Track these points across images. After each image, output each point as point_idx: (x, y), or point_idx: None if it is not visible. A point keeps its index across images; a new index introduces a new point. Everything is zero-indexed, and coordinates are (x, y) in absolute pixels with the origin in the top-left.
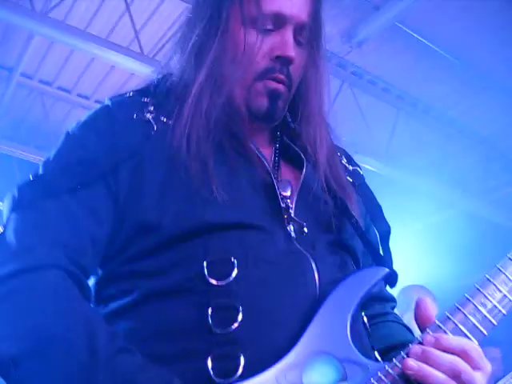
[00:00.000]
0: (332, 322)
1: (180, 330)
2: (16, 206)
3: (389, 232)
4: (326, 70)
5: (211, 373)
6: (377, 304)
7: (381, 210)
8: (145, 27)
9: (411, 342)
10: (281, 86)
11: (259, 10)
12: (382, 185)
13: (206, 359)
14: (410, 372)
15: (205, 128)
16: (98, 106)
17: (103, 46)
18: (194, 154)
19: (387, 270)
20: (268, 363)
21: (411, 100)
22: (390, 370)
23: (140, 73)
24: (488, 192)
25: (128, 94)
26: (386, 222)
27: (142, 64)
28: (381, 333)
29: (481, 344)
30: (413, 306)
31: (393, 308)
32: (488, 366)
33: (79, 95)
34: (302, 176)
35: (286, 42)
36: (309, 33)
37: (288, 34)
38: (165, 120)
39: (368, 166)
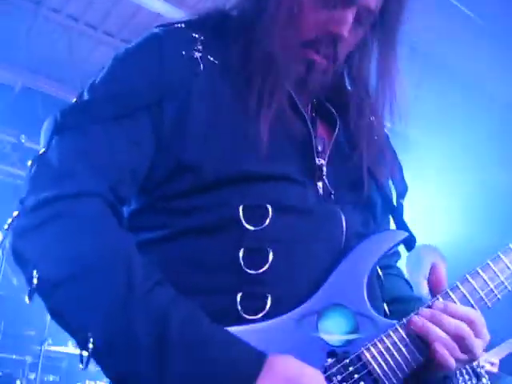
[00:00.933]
0: (351, 276)
1: (213, 266)
2: (59, 129)
3: (406, 192)
4: (387, 58)
5: (239, 307)
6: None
7: (401, 170)
8: None
9: (410, 297)
10: (323, 61)
11: None
12: (398, 142)
13: (236, 295)
14: (414, 327)
15: (261, 69)
16: (124, 44)
17: None
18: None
19: (407, 233)
20: (292, 305)
21: (437, 61)
22: (398, 328)
23: (166, 14)
24: (503, 159)
25: (179, 25)
26: (405, 183)
27: (169, 5)
28: (384, 285)
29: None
30: (423, 267)
31: (396, 261)
32: (487, 337)
33: (105, 32)
34: (335, 135)
35: (344, 21)
36: (374, 19)
37: (349, 13)
38: (212, 59)
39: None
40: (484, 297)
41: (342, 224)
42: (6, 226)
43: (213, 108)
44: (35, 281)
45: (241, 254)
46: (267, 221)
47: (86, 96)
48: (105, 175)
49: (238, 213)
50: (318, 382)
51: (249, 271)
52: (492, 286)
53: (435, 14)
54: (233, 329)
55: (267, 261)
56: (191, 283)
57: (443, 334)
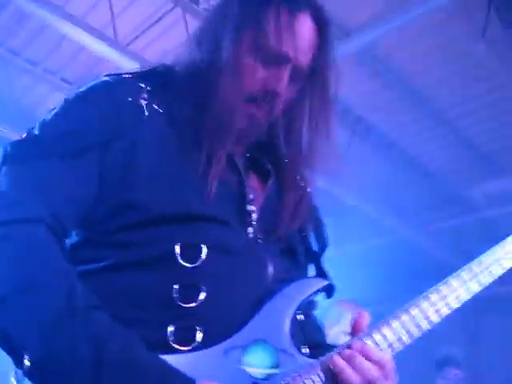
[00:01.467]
0: (275, 316)
1: (147, 300)
2: (9, 160)
3: (326, 248)
4: (318, 115)
5: (171, 339)
6: None
7: (324, 227)
8: (122, 14)
9: (329, 345)
10: (261, 115)
11: (266, 42)
12: (324, 202)
13: (167, 327)
14: (336, 369)
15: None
16: (64, 84)
17: (77, 26)
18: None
19: (327, 282)
20: (221, 339)
21: (367, 125)
22: (317, 366)
23: (110, 58)
24: (425, 224)
25: (127, 75)
26: (326, 239)
27: (113, 50)
28: (305, 330)
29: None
30: (342, 321)
31: (314, 310)
32: (396, 379)
33: (45, 70)
34: (268, 186)
35: (280, 79)
36: (310, 73)
37: (284, 72)
38: (156, 108)
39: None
40: (395, 341)
41: (267, 269)
42: None
43: (158, 152)
44: None
45: (175, 289)
46: (201, 259)
47: (36, 131)
48: (51, 205)
49: (175, 250)
50: None
51: (182, 305)
52: (404, 332)
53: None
54: (163, 357)
55: (199, 296)
56: (126, 315)
57: (356, 378)
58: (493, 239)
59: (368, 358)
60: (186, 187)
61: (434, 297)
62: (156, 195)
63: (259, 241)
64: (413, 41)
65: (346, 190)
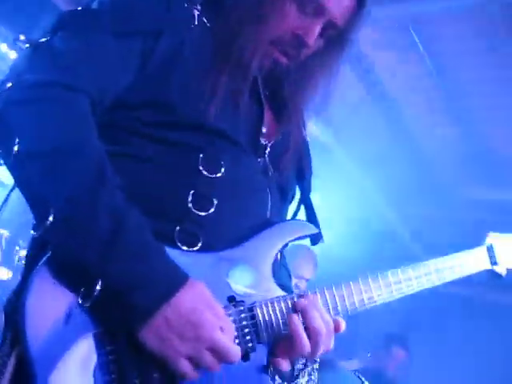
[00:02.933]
0: (268, 245)
1: (164, 196)
2: (66, 27)
3: (309, 193)
4: (332, 67)
5: (176, 237)
6: None
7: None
8: None
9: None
10: (285, 60)
11: None
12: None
13: (176, 226)
14: (298, 305)
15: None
16: None
17: None
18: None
19: (317, 230)
20: (217, 250)
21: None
22: (287, 299)
23: None
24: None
25: None
26: (310, 185)
27: None
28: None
29: None
30: (295, 265)
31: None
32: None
33: None
34: (282, 128)
35: (312, 31)
36: (336, 34)
37: (317, 25)
38: (205, 21)
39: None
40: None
41: (268, 201)
42: None
43: (197, 62)
44: (16, 148)
45: (191, 194)
46: (219, 174)
47: (95, 5)
48: (97, 80)
49: (199, 158)
50: (219, 316)
51: (193, 210)
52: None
53: None
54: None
55: (210, 208)
56: (140, 205)
57: (319, 322)
58: None
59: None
60: (212, 103)
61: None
62: (186, 101)
63: (269, 173)
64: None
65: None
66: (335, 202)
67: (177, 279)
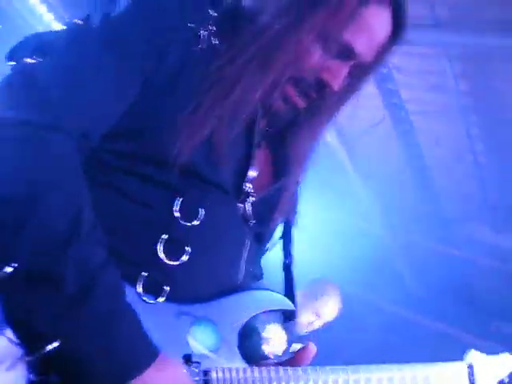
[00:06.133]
0: (237, 311)
1: (132, 235)
2: (55, 51)
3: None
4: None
5: (138, 285)
6: None
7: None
8: None
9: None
10: (301, 103)
11: (338, 32)
12: None
13: (142, 272)
14: None
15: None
16: None
17: None
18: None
19: (294, 308)
20: (183, 301)
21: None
22: (247, 370)
23: None
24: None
25: None
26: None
27: None
28: None
29: None
30: (317, 302)
31: None
32: None
33: None
34: (275, 185)
35: (339, 75)
36: (363, 70)
37: (345, 68)
38: (215, 42)
39: None
40: None
41: (243, 254)
42: None
43: (189, 88)
44: None
45: (162, 239)
46: (196, 221)
47: (97, 23)
48: (85, 119)
49: (175, 202)
50: None
51: (161, 257)
52: None
53: None
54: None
55: (181, 257)
56: (111, 237)
57: None
58: None
59: None
60: (205, 146)
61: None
62: (170, 138)
63: (249, 223)
64: None
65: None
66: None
67: (149, 353)
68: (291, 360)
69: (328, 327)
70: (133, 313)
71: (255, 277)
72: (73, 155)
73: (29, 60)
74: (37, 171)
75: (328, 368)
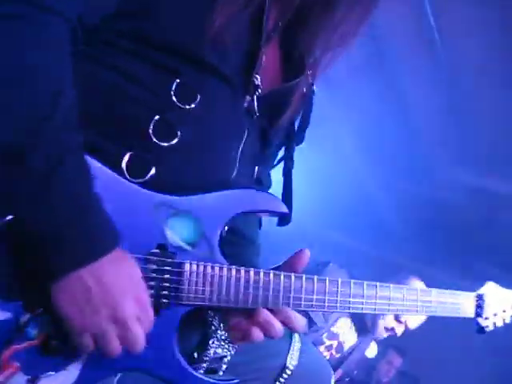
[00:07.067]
0: (224, 209)
1: (123, 112)
2: None
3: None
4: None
5: (123, 164)
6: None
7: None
8: None
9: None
10: None
11: None
12: None
13: (128, 151)
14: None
15: None
16: None
17: None
18: None
19: (286, 210)
20: (167, 188)
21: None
22: (232, 269)
23: None
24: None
25: None
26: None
27: None
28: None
29: None
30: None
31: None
32: None
33: None
34: (287, 84)
35: None
36: None
37: None
38: None
39: None
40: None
41: (241, 144)
42: None
43: None
44: None
45: (155, 119)
46: (191, 105)
47: None
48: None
49: (173, 83)
50: (141, 303)
51: (152, 137)
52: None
53: None
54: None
55: (171, 140)
56: (99, 114)
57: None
58: None
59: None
60: (202, 27)
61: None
62: (175, 21)
63: (254, 116)
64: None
65: None
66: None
67: (104, 244)
68: (283, 266)
69: None
70: (97, 201)
71: (259, 183)
72: (64, 40)
73: None
74: (28, 53)
75: (305, 276)
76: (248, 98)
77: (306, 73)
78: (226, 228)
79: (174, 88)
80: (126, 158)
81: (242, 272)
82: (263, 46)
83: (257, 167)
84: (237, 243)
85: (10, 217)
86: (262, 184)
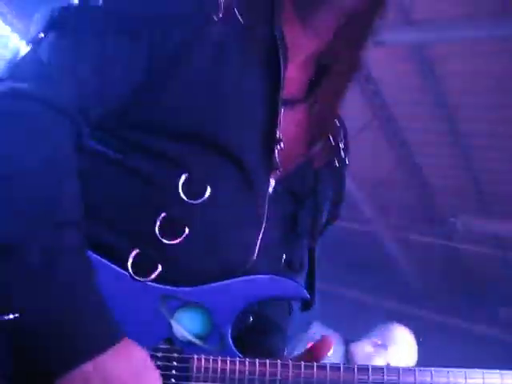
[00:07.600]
0: (236, 297)
1: (130, 210)
2: (59, 27)
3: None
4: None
5: (129, 262)
6: None
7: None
8: None
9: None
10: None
11: None
12: None
13: (135, 248)
14: None
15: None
16: None
17: None
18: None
19: (307, 296)
20: (174, 282)
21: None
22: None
23: None
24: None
25: None
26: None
27: None
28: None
29: None
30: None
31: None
32: None
33: None
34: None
35: None
36: None
37: None
38: (236, 12)
39: None
40: None
41: (258, 237)
42: None
43: (215, 62)
44: None
45: (160, 217)
46: (200, 200)
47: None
48: (84, 98)
49: (180, 178)
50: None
51: (158, 236)
52: None
53: None
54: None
55: (179, 237)
56: (106, 210)
57: None
58: None
59: None
60: (230, 115)
61: None
62: (189, 107)
63: (273, 199)
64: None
65: None
66: None
67: (107, 336)
68: (304, 354)
69: None
70: (98, 296)
71: (290, 266)
72: (71, 138)
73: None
74: (34, 151)
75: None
76: (272, 181)
77: (338, 142)
78: (252, 316)
79: (181, 184)
80: (133, 254)
81: (257, 364)
82: (279, 112)
83: (285, 249)
84: (263, 330)
85: (12, 316)
86: (293, 266)
